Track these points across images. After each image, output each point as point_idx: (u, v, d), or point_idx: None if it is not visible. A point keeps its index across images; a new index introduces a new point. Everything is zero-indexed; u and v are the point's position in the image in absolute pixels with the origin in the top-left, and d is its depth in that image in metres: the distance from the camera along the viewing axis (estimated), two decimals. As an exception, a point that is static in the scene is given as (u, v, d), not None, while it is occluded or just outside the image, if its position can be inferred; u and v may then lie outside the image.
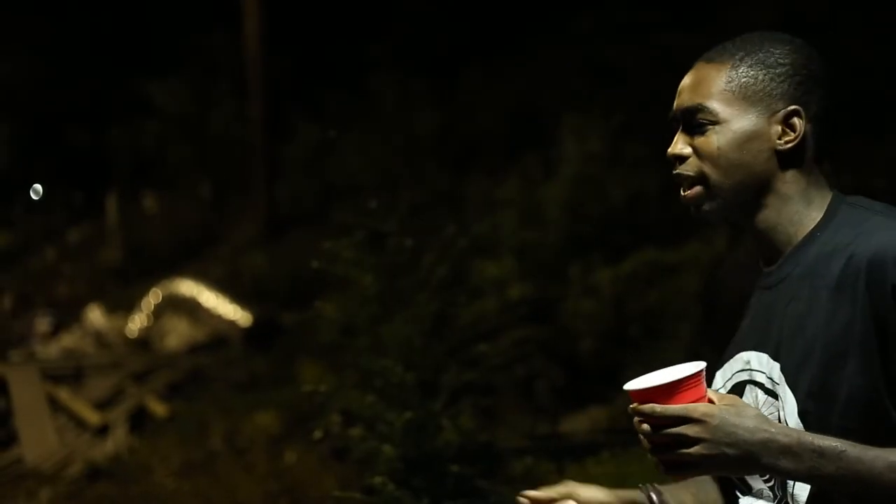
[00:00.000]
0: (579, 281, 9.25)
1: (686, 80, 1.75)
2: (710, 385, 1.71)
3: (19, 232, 24.30)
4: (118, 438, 10.90)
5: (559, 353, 8.41)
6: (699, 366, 1.58)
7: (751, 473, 1.65)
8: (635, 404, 1.57)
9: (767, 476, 1.70)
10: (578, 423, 7.83)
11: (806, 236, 1.70)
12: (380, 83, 15.92)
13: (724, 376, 1.81)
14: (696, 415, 1.53)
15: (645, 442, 1.57)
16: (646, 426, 1.56)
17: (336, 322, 6.91)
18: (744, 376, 1.77)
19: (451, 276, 6.34)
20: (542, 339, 8.41)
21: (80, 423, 11.24)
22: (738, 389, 1.78)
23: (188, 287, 15.62)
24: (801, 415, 1.64)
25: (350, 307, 6.32)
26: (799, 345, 1.66)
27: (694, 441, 1.53)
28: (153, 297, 16.27)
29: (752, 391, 1.75)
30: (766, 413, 1.64)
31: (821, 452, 1.55)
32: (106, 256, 20.68)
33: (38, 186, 25.64)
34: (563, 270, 9.52)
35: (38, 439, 10.79)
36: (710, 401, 1.57)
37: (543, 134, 12.01)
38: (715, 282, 1.96)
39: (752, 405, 1.70)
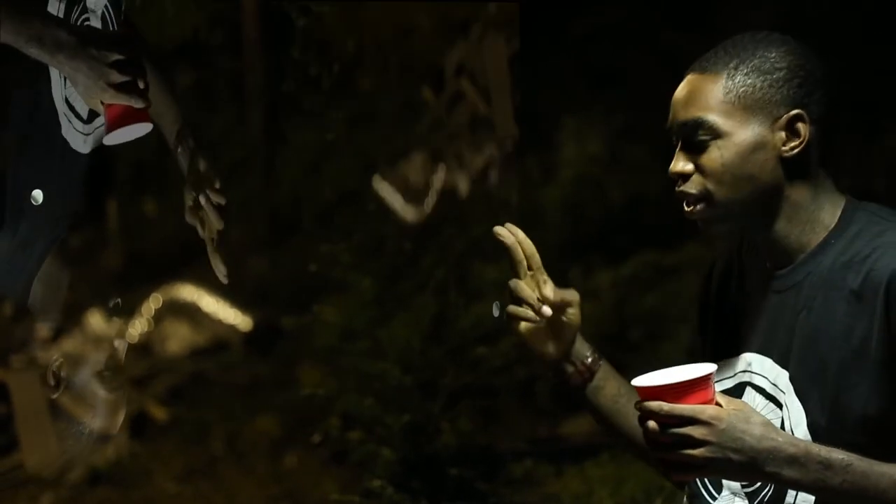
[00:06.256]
0: (579, 283, 9.22)
1: (680, 94, 1.70)
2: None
3: (19, 237, 24.35)
4: (119, 443, 10.88)
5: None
6: (710, 368, 1.57)
7: (753, 481, 1.64)
8: (641, 400, 1.56)
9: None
10: (578, 426, 7.80)
11: (820, 243, 1.66)
12: (379, 87, 15.91)
13: (722, 375, 1.78)
14: (704, 417, 1.51)
15: (648, 439, 1.56)
16: (652, 423, 1.54)
17: (335, 326, 6.92)
18: (744, 377, 1.74)
19: (451, 279, 6.34)
20: (543, 342, 8.37)
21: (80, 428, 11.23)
22: (737, 391, 1.74)
23: (188, 292, 15.61)
24: (811, 427, 1.62)
25: (349, 310, 6.33)
26: (811, 356, 1.63)
27: (699, 443, 1.52)
28: (153, 302, 16.27)
29: (750, 394, 1.72)
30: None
31: (827, 464, 1.53)
32: (106, 261, 20.69)
33: (37, 192, 25.65)
34: (562, 272, 9.50)
35: (39, 445, 10.78)
36: (719, 404, 1.56)
37: (543, 136, 11.99)
38: (712, 275, 1.92)
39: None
